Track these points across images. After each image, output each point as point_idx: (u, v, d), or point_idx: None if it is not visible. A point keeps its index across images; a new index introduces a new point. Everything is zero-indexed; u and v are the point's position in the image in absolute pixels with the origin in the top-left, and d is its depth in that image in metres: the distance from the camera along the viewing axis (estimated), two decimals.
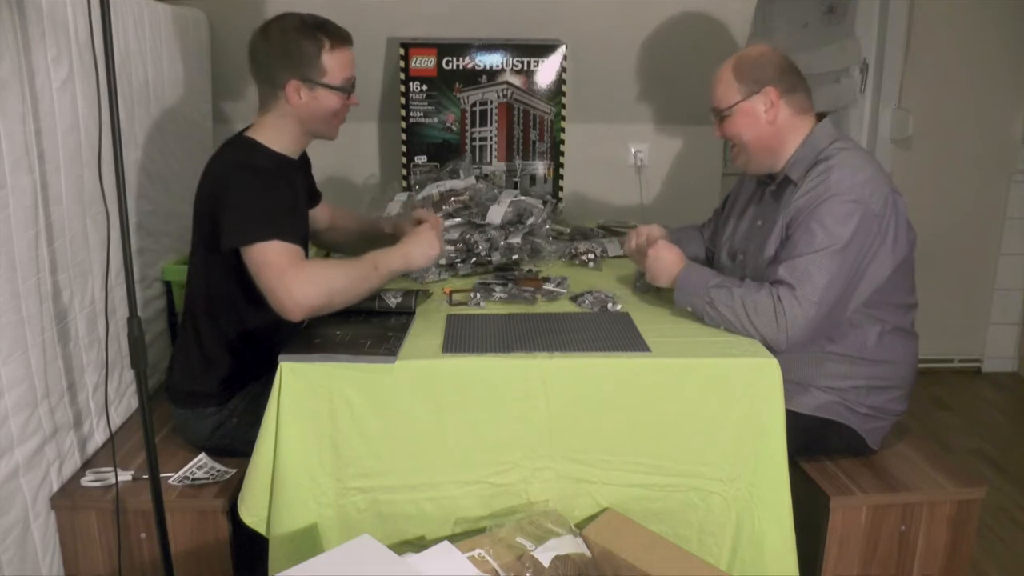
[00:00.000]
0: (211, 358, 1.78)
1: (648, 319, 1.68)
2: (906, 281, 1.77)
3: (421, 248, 1.72)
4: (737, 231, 1.92)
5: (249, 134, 1.77)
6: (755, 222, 1.84)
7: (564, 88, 2.64)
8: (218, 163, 1.72)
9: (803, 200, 1.67)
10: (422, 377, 1.48)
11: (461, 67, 2.59)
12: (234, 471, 1.73)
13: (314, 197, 2.07)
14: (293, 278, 1.52)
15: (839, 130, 1.80)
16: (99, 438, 1.84)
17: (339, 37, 1.73)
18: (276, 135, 1.76)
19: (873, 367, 1.75)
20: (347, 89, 1.76)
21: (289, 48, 1.69)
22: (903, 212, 1.71)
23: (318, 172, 2.07)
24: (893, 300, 1.74)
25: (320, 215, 2.10)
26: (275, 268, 1.53)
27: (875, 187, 1.64)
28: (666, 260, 1.74)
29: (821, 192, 1.64)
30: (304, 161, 1.94)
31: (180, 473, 1.74)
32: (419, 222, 1.91)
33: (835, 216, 1.61)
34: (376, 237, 2.07)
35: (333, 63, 1.71)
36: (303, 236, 1.80)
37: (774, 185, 1.80)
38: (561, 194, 2.73)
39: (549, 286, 1.85)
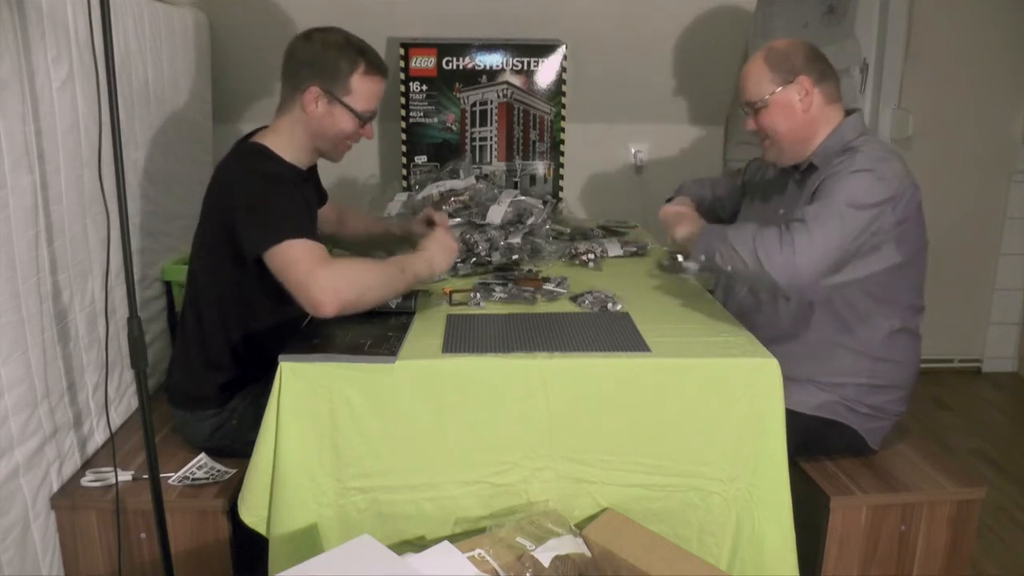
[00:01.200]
0: (214, 362, 1.77)
1: (648, 319, 1.68)
2: (917, 281, 1.77)
3: (442, 251, 1.74)
4: (760, 219, 1.91)
5: (259, 138, 1.75)
6: (778, 211, 1.84)
7: (564, 88, 2.64)
8: (227, 170, 1.71)
9: (828, 179, 1.68)
10: (422, 377, 1.48)
11: (461, 67, 2.59)
12: (234, 471, 1.73)
13: (321, 198, 2.07)
14: (323, 272, 1.51)
15: (867, 128, 1.80)
16: (99, 438, 1.84)
17: (376, 67, 1.74)
18: (286, 142, 1.74)
19: (877, 364, 1.75)
20: (364, 118, 1.75)
21: (323, 58, 1.69)
22: (920, 209, 1.71)
23: (319, 171, 2.07)
24: (904, 299, 1.75)
25: (327, 215, 2.09)
26: (303, 264, 1.52)
27: (897, 174, 1.65)
28: (691, 216, 1.88)
29: (847, 167, 1.66)
30: (312, 169, 1.93)
31: (180, 473, 1.74)
32: (428, 221, 1.94)
33: (857, 184, 1.62)
34: (384, 239, 2.07)
35: (361, 88, 1.72)
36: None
37: (798, 174, 1.81)
38: (561, 194, 2.73)
39: (549, 286, 1.85)
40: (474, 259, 2.02)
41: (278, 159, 1.73)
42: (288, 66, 1.74)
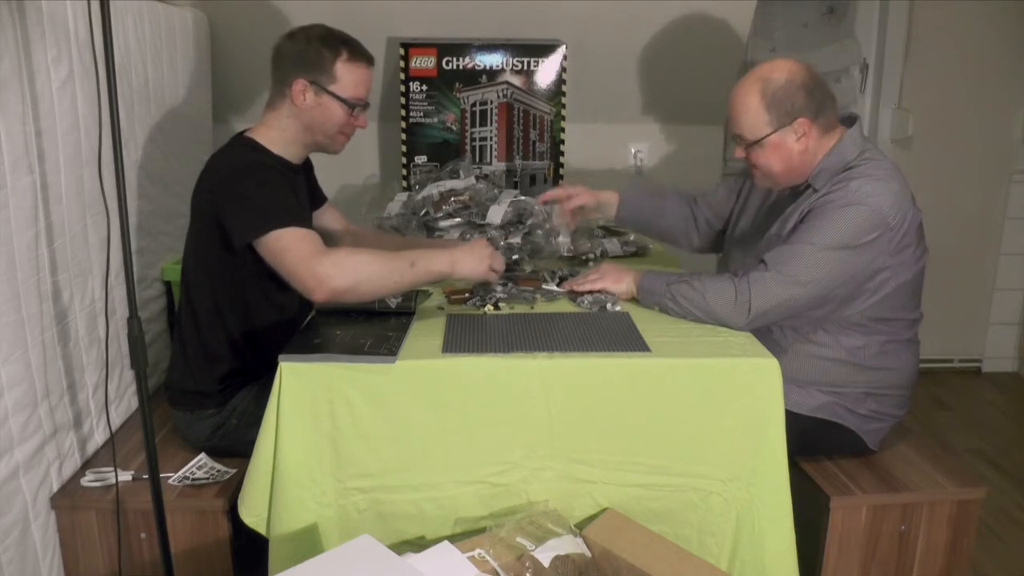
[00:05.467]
0: (212, 355, 1.78)
1: (648, 319, 1.68)
2: (915, 296, 1.76)
3: (469, 255, 1.67)
4: (752, 234, 1.90)
5: (250, 134, 1.78)
6: (771, 226, 1.81)
7: (564, 88, 2.63)
8: (217, 162, 1.73)
9: (820, 201, 1.66)
10: (422, 377, 1.48)
11: (461, 67, 2.59)
12: (234, 471, 1.74)
13: (317, 199, 2.06)
14: (318, 259, 1.52)
15: (867, 139, 1.76)
16: (99, 438, 1.84)
17: (359, 53, 1.76)
18: (277, 136, 1.76)
19: (874, 374, 1.75)
20: (353, 105, 1.76)
21: (306, 50, 1.72)
22: (919, 230, 1.69)
23: (318, 172, 2.07)
24: (899, 315, 1.73)
25: (329, 219, 2.07)
26: (296, 251, 1.54)
27: (896, 201, 1.62)
28: (624, 274, 1.79)
29: (836, 198, 1.63)
30: (306, 165, 1.93)
31: (180, 473, 1.74)
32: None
33: (844, 220, 1.60)
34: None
35: (345, 74, 1.73)
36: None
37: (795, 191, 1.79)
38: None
39: (549, 286, 1.85)
40: None
41: (266, 151, 1.75)
42: (275, 64, 1.76)
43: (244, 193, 1.62)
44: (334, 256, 1.55)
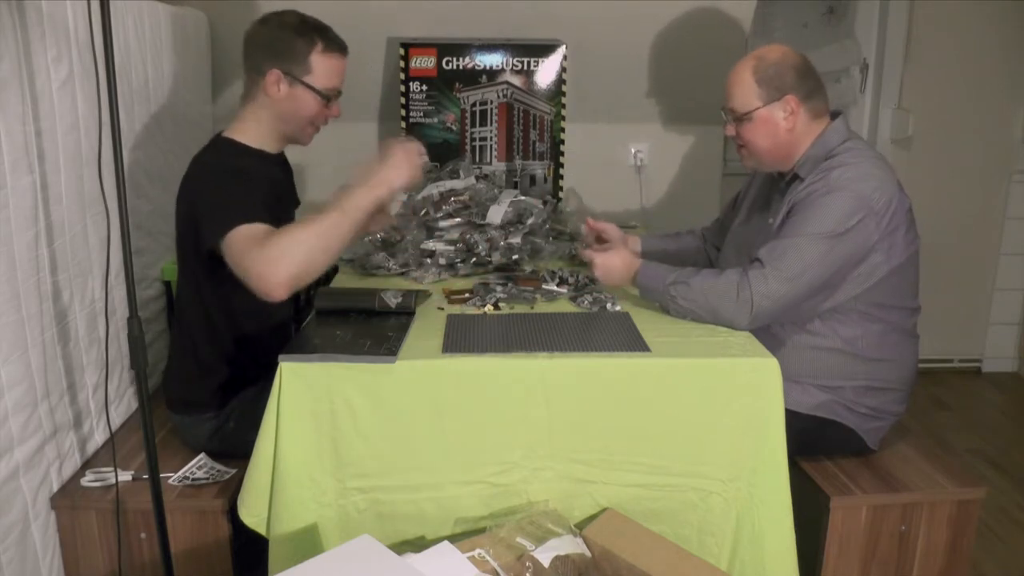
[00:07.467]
0: (207, 367, 1.77)
1: (648, 319, 1.68)
2: (910, 285, 1.77)
3: (392, 169, 1.57)
4: (746, 228, 1.92)
5: (227, 133, 1.76)
6: (765, 220, 1.84)
7: (564, 88, 2.64)
8: (195, 167, 1.72)
9: (803, 192, 1.69)
10: (422, 377, 1.48)
11: (461, 67, 2.59)
12: (234, 471, 1.73)
13: (293, 202, 2.02)
14: (257, 256, 1.45)
15: (852, 130, 1.79)
16: (99, 438, 1.84)
17: (334, 43, 1.72)
18: (253, 128, 1.74)
19: (873, 365, 1.75)
20: (327, 96, 1.73)
21: (280, 40, 1.69)
22: (908, 215, 1.71)
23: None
24: (897, 303, 1.74)
25: None
26: (240, 252, 1.48)
27: (880, 185, 1.65)
28: (617, 268, 1.77)
29: (820, 187, 1.66)
30: (283, 163, 1.91)
31: (180, 473, 1.74)
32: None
33: (829, 208, 1.63)
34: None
35: (320, 66, 1.70)
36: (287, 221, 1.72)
37: (783, 183, 1.81)
38: (561, 194, 2.73)
39: (549, 286, 1.85)
40: (474, 259, 2.02)
41: (243, 148, 1.73)
42: (247, 52, 1.73)
43: (208, 197, 1.60)
44: (266, 250, 1.46)
